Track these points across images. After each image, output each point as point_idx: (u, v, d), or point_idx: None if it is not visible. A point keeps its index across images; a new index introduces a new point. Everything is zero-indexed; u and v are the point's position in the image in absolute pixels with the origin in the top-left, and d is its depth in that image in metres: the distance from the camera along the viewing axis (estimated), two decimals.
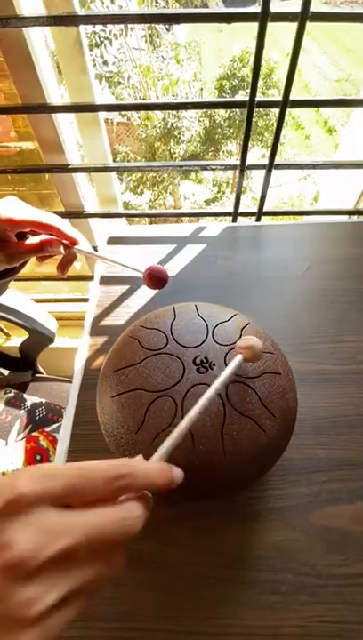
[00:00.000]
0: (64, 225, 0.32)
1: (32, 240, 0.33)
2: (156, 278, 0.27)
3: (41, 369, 0.74)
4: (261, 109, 0.53)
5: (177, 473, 0.19)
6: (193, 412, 0.22)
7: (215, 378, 0.28)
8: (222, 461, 0.27)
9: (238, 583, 0.32)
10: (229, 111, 3.71)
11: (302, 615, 0.30)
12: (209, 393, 0.23)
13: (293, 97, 0.50)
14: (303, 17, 0.42)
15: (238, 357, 0.26)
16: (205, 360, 0.30)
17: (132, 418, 0.28)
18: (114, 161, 0.67)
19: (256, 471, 0.30)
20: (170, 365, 0.29)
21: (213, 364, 0.29)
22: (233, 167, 0.61)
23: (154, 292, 0.52)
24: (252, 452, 0.27)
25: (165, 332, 0.32)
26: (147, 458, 0.20)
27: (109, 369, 0.32)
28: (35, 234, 0.33)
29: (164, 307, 0.36)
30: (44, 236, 0.33)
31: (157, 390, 0.28)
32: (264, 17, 0.42)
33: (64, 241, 0.33)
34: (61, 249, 0.34)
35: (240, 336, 0.32)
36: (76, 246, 0.34)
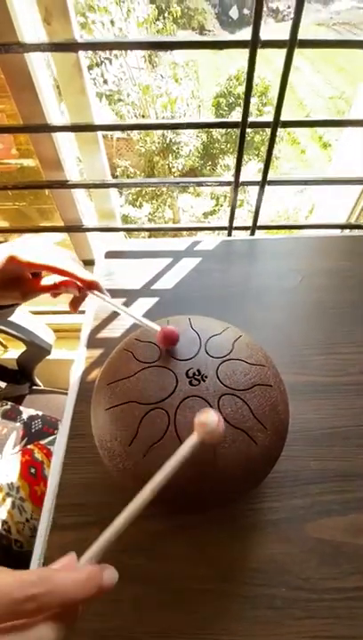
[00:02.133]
0: (79, 270, 0.34)
1: (47, 281, 0.35)
2: (168, 339, 0.31)
3: (38, 381, 0.74)
4: None
5: (109, 576, 0.17)
6: (132, 506, 0.19)
7: (207, 391, 0.29)
8: (214, 473, 0.27)
9: (233, 597, 0.32)
10: None
11: (295, 630, 0.30)
12: (149, 488, 0.20)
13: (285, 116, 0.52)
14: (292, 44, 0.45)
15: (193, 438, 0.21)
16: (197, 372, 0.30)
17: (125, 430, 0.28)
18: (113, 175, 0.69)
19: (248, 483, 0.30)
20: (163, 378, 0.30)
21: (206, 377, 0.30)
22: (227, 183, 0.63)
23: (150, 305, 0.53)
24: (243, 463, 0.28)
25: (159, 345, 0.32)
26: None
27: (104, 381, 0.32)
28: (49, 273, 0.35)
29: (158, 320, 0.36)
30: (59, 278, 0.35)
31: (150, 403, 0.29)
32: (254, 44, 0.44)
33: (79, 283, 0.35)
34: (76, 291, 0.35)
35: (232, 349, 0.32)
36: (90, 292, 0.35)
